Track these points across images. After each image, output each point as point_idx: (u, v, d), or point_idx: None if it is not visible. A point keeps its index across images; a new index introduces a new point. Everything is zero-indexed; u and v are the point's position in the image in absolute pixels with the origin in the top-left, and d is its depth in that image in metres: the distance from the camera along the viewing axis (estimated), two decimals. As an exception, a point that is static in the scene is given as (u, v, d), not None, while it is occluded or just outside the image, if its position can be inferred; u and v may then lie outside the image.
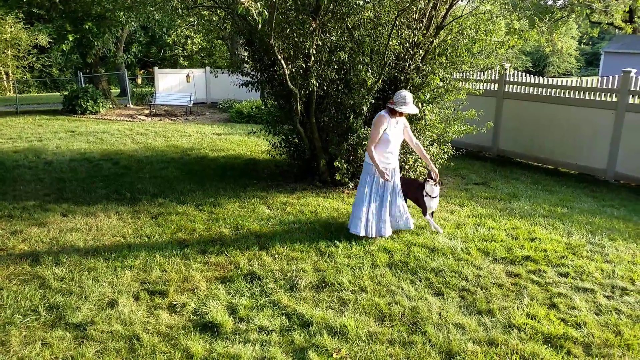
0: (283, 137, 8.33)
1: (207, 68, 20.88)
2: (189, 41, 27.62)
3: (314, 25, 6.54)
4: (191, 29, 24.12)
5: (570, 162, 8.84)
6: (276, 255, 4.81)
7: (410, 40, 6.97)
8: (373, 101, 6.98)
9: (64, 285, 4.09)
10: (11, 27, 28.31)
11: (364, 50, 7.03)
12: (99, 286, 4.09)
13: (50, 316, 3.62)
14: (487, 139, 10.09)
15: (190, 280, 4.24)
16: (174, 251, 4.89)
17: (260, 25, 5.06)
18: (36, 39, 29.13)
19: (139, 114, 17.23)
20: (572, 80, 9.56)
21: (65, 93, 17.99)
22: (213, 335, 3.41)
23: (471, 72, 8.40)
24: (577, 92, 8.70)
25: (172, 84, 20.29)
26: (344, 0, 6.85)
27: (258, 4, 4.35)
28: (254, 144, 11.43)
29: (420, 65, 7.14)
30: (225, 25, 8.72)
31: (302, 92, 7.01)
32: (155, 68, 21.05)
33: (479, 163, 9.47)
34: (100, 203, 6.48)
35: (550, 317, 3.77)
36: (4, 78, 30.39)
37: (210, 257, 4.76)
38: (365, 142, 6.83)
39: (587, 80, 8.87)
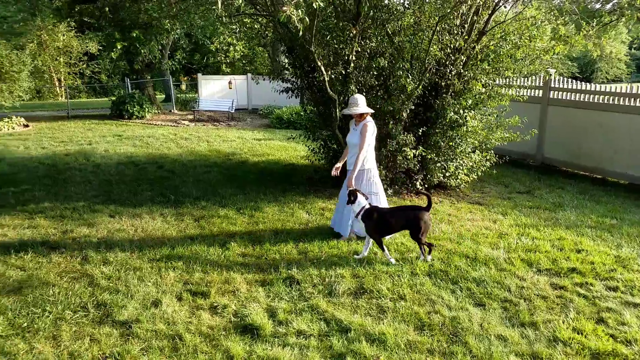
0: (322, 142, 8.38)
1: (249, 75, 21.25)
2: (231, 48, 28.16)
3: (354, 32, 6.57)
4: (233, 36, 24.61)
5: (620, 172, 8.49)
6: (315, 260, 4.84)
7: (452, 46, 6.89)
8: (413, 107, 6.94)
9: (111, 284, 4.25)
10: (63, 36, 29.68)
11: (404, 56, 7.01)
12: (144, 286, 4.23)
13: (99, 313, 3.77)
14: (531, 147, 9.82)
15: (231, 282, 4.33)
16: (215, 253, 5.00)
17: (301, 33, 5.12)
18: (86, 47, 30.43)
19: (183, 119, 17.70)
20: (621, 87, 9.20)
21: (113, 98, 18.68)
22: (253, 338, 3.47)
23: (514, 78, 8.23)
24: (627, 98, 8.36)
25: (214, 90, 20.76)
26: (384, 6, 6.86)
27: (299, 11, 4.40)
28: (293, 149, 11.54)
29: (462, 71, 7.05)
30: (266, 32, 8.88)
31: (341, 98, 7.04)
32: (199, 74, 21.59)
33: (523, 171, 9.24)
34: (146, 205, 6.70)
35: (598, 332, 3.64)
36: (57, 84, 31.84)
37: (251, 260, 4.84)
38: (405, 149, 6.80)
39: (638, 87, 8.52)
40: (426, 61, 6.68)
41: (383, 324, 3.67)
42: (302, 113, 15.41)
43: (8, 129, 14.94)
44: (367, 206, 4.95)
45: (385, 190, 7.11)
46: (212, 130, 15.49)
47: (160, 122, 17.14)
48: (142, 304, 3.91)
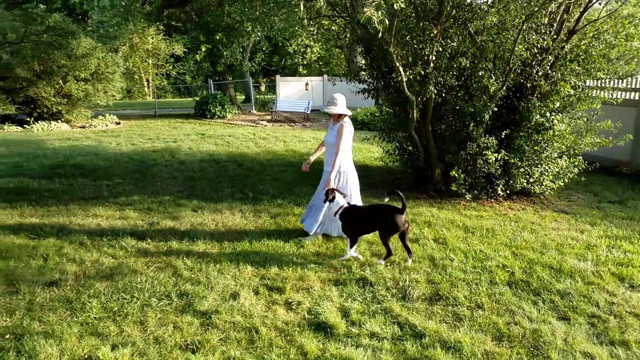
0: (397, 144, 8.30)
1: (325, 76, 21.50)
2: (308, 50, 28.63)
3: (435, 32, 6.44)
4: (311, 38, 25.00)
5: None
6: (388, 263, 4.80)
7: (539, 46, 6.56)
8: (495, 109, 6.68)
9: (193, 275, 4.47)
10: (152, 39, 31.65)
11: (487, 56, 6.77)
12: (223, 278, 4.40)
13: (181, 302, 3.98)
14: (624, 153, 9.10)
15: (305, 280, 4.40)
16: (290, 250, 5.11)
17: (380, 34, 5.10)
18: (173, 49, 32.23)
19: (261, 120, 18.24)
20: None
21: (197, 99, 19.64)
22: (326, 336, 3.50)
23: (607, 80, 7.67)
24: None
25: (292, 92, 21.21)
26: (467, 5, 6.66)
27: (380, 12, 4.39)
28: (367, 150, 11.52)
29: (549, 72, 6.68)
30: (344, 34, 8.93)
31: (419, 99, 6.93)
32: (277, 76, 22.13)
33: (614, 179, 8.59)
34: (226, 201, 6.98)
35: (702, 358, 3.30)
36: (145, 84, 33.97)
37: (324, 259, 4.88)
38: (486, 152, 6.56)
39: None
40: (510, 61, 6.40)
41: (459, 332, 3.57)
42: (377, 114, 15.37)
43: (102, 126, 16.17)
44: (346, 205, 4.95)
45: (464, 195, 6.92)
46: (288, 130, 15.83)
47: (240, 122, 17.78)
48: (221, 296, 4.07)
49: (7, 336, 3.41)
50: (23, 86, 14.77)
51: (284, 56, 33.24)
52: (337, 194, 4.99)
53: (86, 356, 3.20)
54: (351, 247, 4.88)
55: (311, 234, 5.42)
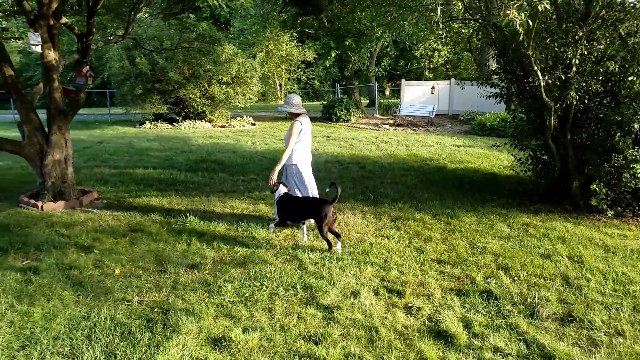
0: (530, 152, 7.82)
1: (452, 80, 20.90)
2: (436, 54, 28.04)
3: (580, 34, 5.96)
4: (439, 42, 24.46)
5: None
6: (515, 278, 4.57)
7: None
8: (649, 118, 5.99)
9: (316, 270, 4.68)
10: (286, 45, 33.36)
11: (639, 60, 6.09)
12: (344, 276, 4.56)
13: (306, 294, 4.20)
14: None
15: (425, 286, 4.37)
16: (411, 255, 5.10)
17: (521, 37, 4.87)
18: (304, 55, 33.66)
19: (384, 124, 18.32)
20: None
21: (324, 102, 20.32)
22: (446, 344, 3.46)
23: None
24: None
25: (416, 96, 20.96)
26: (618, 5, 6.07)
27: (522, 14, 4.20)
28: (495, 158, 11.00)
29: None
30: (477, 36, 8.64)
31: (558, 105, 6.47)
32: (403, 80, 22.03)
33: None
34: (348, 202, 7.17)
35: None
36: (278, 88, 35.94)
37: (446, 268, 4.80)
38: (635, 165, 5.94)
39: None
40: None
41: (595, 358, 3.29)
42: (508, 120, 14.57)
43: (240, 126, 17.51)
44: (283, 193, 5.56)
45: (604, 211, 6.32)
46: (411, 134, 15.69)
47: (364, 125, 18.03)
48: (342, 293, 4.22)
49: (156, 310, 3.89)
50: (174, 88, 16.58)
51: (410, 60, 32.93)
52: (281, 185, 5.63)
53: (220, 335, 3.52)
54: (276, 225, 5.68)
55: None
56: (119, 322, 3.65)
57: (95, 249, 5.14)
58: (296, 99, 5.90)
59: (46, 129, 6.78)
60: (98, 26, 8.76)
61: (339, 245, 5.21)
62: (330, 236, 5.26)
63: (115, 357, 3.23)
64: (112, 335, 3.48)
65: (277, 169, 5.75)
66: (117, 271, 4.61)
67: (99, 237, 5.51)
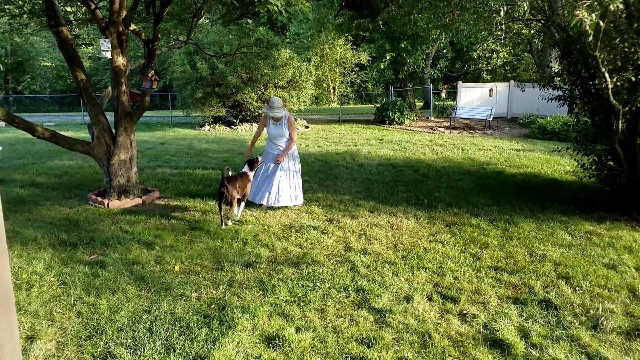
0: (595, 157, 7.45)
1: (511, 82, 20.24)
2: (494, 55, 27.25)
3: (654, 33, 5.63)
4: (497, 43, 23.75)
5: None
6: (577, 288, 4.38)
7: None
8: None
9: (369, 273, 4.69)
10: (341, 49, 33.49)
11: None
12: (397, 280, 4.53)
13: (358, 297, 4.21)
14: None
15: (481, 293, 4.27)
16: (466, 261, 5.00)
17: (591, 37, 4.66)
18: (358, 58, 33.66)
19: (439, 126, 17.99)
20: None
21: (378, 105, 20.24)
22: (502, 354, 3.36)
23: None
24: None
25: (473, 98, 20.46)
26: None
27: (593, 15, 4.03)
28: (556, 163, 10.56)
29: None
30: (540, 37, 8.33)
31: (627, 108, 6.13)
32: (459, 82, 21.57)
33: None
34: (401, 205, 7.11)
35: None
36: (331, 91, 36.11)
37: (503, 275, 4.67)
38: None
39: None
40: None
41: (664, 376, 3.11)
42: (570, 123, 13.93)
43: (293, 129, 17.72)
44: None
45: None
46: (467, 138, 15.33)
47: (418, 128, 17.80)
48: (395, 297, 4.20)
49: (212, 306, 4.02)
50: (233, 92, 17.06)
51: (467, 62, 32.16)
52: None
53: (274, 334, 3.60)
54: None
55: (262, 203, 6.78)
56: (178, 316, 3.81)
57: (157, 245, 5.39)
58: (280, 100, 6.76)
59: (113, 131, 7.17)
60: (162, 32, 9.17)
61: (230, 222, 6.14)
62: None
63: (175, 350, 3.38)
64: (172, 329, 3.63)
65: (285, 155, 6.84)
66: (176, 267, 4.81)
67: (160, 234, 5.77)
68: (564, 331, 3.65)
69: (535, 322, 3.78)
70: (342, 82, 36.43)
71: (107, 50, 6.74)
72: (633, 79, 5.95)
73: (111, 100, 7.33)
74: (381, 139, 14.70)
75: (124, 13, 6.81)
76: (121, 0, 6.73)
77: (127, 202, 7.09)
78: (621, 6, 4.52)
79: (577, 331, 3.63)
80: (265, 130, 7.00)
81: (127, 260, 4.96)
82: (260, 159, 6.74)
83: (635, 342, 3.50)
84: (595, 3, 4.25)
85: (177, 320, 3.76)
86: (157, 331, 3.60)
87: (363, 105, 32.96)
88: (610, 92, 5.98)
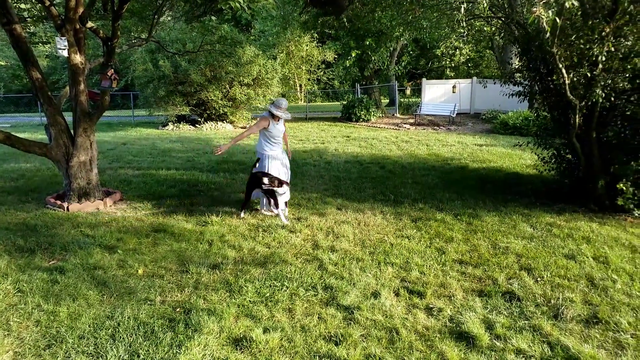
0: (554, 151, 7.68)
1: (474, 78, 20.66)
2: (457, 52, 27.75)
3: (607, 30, 5.83)
4: (460, 40, 24.21)
5: None
6: (538, 278, 4.50)
7: None
8: (680, 116, 5.83)
9: (337, 270, 4.68)
10: (307, 46, 33.44)
11: (670, 56, 5.93)
12: (364, 276, 4.55)
13: (326, 295, 4.20)
14: None
15: (446, 287, 4.33)
16: (432, 255, 5.07)
17: (548, 34, 4.78)
18: (324, 56, 33.70)
19: (404, 123, 18.21)
20: None
21: (344, 103, 20.31)
22: (468, 346, 3.42)
23: None
24: None
25: (437, 95, 20.78)
26: (648, -1, 5.91)
27: (550, 12, 4.13)
28: (518, 157, 10.83)
29: None
30: (501, 35, 8.52)
31: (583, 103, 6.34)
32: (423, 79, 21.87)
33: None
34: (368, 202, 7.15)
35: None
36: (298, 89, 36.03)
37: (467, 268, 4.76)
38: None
39: None
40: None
41: (621, 361, 3.22)
42: (531, 118, 14.33)
43: (259, 127, 17.58)
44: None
45: (631, 210, 6.19)
46: (431, 134, 15.57)
47: (384, 125, 17.95)
48: (362, 293, 4.22)
49: (178, 309, 3.94)
50: (196, 90, 16.79)
51: (431, 59, 32.66)
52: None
53: (241, 335, 3.55)
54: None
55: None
56: (142, 321, 3.72)
57: (119, 249, 5.24)
58: (284, 103, 6.60)
59: (72, 132, 6.94)
60: (122, 30, 8.93)
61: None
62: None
63: (139, 356, 3.29)
64: (136, 335, 3.54)
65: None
66: (140, 271, 4.69)
67: (122, 237, 5.62)
68: (526, 321, 3.74)
69: (499, 314, 3.87)
70: (309, 79, 36.41)
71: (64, 49, 6.51)
72: (588, 74, 6.14)
73: (69, 100, 7.08)
74: (348, 136, 14.76)
75: (80, 10, 6.58)
76: (77, -3, 6.51)
77: (88, 205, 6.87)
78: (576, 4, 4.65)
79: (539, 321, 3.73)
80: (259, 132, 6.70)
81: (88, 265, 4.81)
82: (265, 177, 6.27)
83: (594, 330, 3.62)
84: (552, 1, 4.36)
85: (141, 325, 3.67)
86: (120, 337, 3.50)
87: (330, 103, 33.03)
88: (567, 87, 6.16)
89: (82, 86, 6.81)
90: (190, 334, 3.55)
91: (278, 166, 6.62)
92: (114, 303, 4.03)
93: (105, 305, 4.00)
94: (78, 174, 6.87)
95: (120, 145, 13.69)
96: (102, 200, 7.03)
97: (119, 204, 7.12)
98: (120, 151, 12.41)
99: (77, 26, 6.62)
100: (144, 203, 7.13)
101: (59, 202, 6.86)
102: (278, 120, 6.59)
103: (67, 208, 6.74)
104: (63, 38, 6.48)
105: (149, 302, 4.04)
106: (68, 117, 6.80)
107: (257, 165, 6.60)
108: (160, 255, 5.10)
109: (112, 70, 7.07)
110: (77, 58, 6.67)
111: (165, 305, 4.00)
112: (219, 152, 6.33)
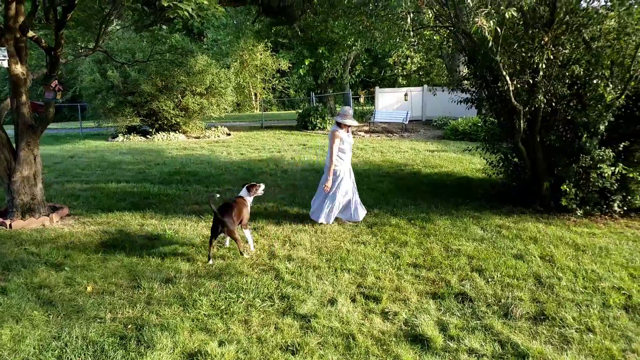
0: (501, 155, 7.98)
1: (425, 86, 21.19)
2: (409, 61, 28.42)
3: (546, 39, 6.13)
4: (412, 49, 24.81)
5: None
6: (489, 279, 4.64)
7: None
8: (612, 119, 6.18)
9: (293, 279, 4.67)
10: (261, 55, 33.35)
11: (603, 63, 6.29)
12: (321, 284, 4.55)
13: (282, 304, 4.18)
14: None
15: (402, 291, 4.40)
16: (387, 260, 5.14)
17: (490, 43, 4.98)
18: (279, 65, 33.71)
19: (359, 131, 18.42)
20: None
21: (300, 111, 20.35)
22: (423, 348, 3.48)
23: None
24: None
25: (390, 102, 21.16)
26: (581, 10, 6.27)
27: (491, 22, 4.31)
28: (468, 161, 11.17)
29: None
30: (447, 43, 8.80)
31: (527, 108, 6.63)
32: (377, 88, 22.23)
33: None
34: (324, 210, 7.16)
35: None
36: (253, 98, 35.85)
37: (421, 271, 4.85)
38: (601, 165, 6.11)
39: None
40: (632, 68, 5.90)
41: (567, 355, 3.36)
42: (479, 124, 14.83)
43: (214, 137, 17.37)
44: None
45: (574, 210, 6.48)
46: (385, 141, 15.83)
47: (339, 132, 18.08)
48: (319, 301, 4.22)
49: (129, 326, 3.81)
50: (147, 100, 16.39)
51: (384, 68, 33.29)
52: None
53: (196, 350, 3.48)
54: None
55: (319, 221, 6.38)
56: (92, 340, 3.57)
57: (67, 266, 5.02)
58: (350, 110, 6.51)
59: (14, 145, 6.62)
60: (68, 39, 8.61)
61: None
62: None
63: (88, 376, 3.15)
64: (84, 355, 3.40)
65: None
66: (89, 288, 4.51)
67: (70, 254, 5.39)
68: (478, 321, 3.85)
69: (453, 315, 3.96)
70: (264, 88, 36.30)
71: (4, 59, 6.23)
72: (531, 81, 6.44)
73: (11, 113, 6.76)
74: (304, 145, 14.80)
75: (21, 19, 6.32)
76: (17, 6, 6.24)
77: (33, 222, 6.56)
78: (516, 14, 4.88)
79: (490, 320, 3.85)
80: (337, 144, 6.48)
81: (32, 284, 4.58)
82: (261, 186, 5.79)
83: (541, 326, 3.76)
84: (493, 11, 4.55)
85: (90, 344, 3.52)
86: (68, 358, 3.35)
87: (285, 112, 33.01)
88: (511, 94, 6.43)
89: (23, 98, 6.52)
90: (142, 350, 3.44)
91: (348, 184, 6.57)
92: (61, 323, 3.86)
93: (52, 325, 3.82)
94: (21, 190, 6.56)
95: (67, 158, 13.16)
96: (48, 216, 6.73)
97: (67, 220, 6.84)
98: (67, 165, 11.93)
99: (18, 35, 6.34)
100: (92, 218, 6.87)
101: (0, 220, 6.52)
102: (348, 130, 6.52)
103: (10, 225, 6.41)
104: (2, 48, 6.20)
105: (98, 320, 3.89)
106: (10, 130, 6.49)
107: (328, 184, 6.41)
108: (111, 271, 4.92)
109: (56, 81, 6.81)
110: (18, 68, 6.39)
111: (116, 323, 3.86)
112: (328, 189, 6.34)
